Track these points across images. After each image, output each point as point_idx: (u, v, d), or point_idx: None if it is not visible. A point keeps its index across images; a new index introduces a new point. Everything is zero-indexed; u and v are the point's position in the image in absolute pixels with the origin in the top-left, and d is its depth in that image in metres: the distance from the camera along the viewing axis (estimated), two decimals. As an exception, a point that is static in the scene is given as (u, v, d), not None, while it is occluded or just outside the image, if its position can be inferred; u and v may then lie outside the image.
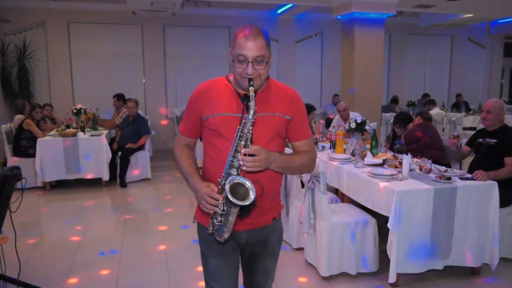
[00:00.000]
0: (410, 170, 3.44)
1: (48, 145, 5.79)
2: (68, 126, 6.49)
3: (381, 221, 3.35)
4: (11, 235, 2.78)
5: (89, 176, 6.00)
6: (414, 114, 9.40)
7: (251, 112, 1.53)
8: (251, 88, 1.54)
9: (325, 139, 5.22)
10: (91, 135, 6.11)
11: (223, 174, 1.56)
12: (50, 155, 5.77)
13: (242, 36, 1.53)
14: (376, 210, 3.23)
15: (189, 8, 8.67)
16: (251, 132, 1.54)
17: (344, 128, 5.10)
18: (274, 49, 9.89)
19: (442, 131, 8.51)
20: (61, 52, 8.60)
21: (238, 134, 1.55)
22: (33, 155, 5.79)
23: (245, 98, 1.59)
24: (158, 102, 9.26)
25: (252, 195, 1.49)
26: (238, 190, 1.50)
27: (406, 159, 3.31)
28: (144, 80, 9.19)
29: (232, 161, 1.55)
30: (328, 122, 9.14)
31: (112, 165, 6.14)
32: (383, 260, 3.27)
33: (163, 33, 9.13)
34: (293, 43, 9.93)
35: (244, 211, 1.54)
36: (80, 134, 6.13)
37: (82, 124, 6.52)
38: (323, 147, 4.77)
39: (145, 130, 6.49)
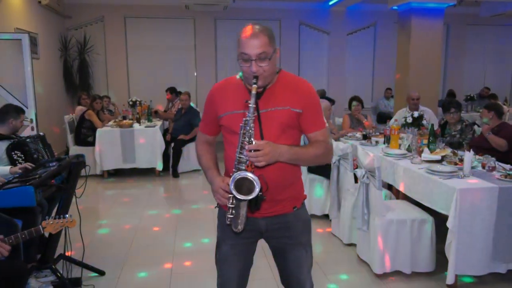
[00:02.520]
0: (472, 167, 3.28)
1: (107, 135, 6.06)
2: (124, 118, 6.76)
3: (438, 219, 3.22)
4: (77, 221, 2.94)
5: (144, 165, 6.23)
6: (473, 109, 8.95)
7: (251, 110, 1.57)
8: (254, 85, 1.57)
9: (378, 133, 5.09)
10: (146, 126, 6.33)
11: (233, 170, 1.60)
12: (108, 145, 6.04)
13: (244, 36, 1.58)
14: (434, 208, 3.11)
15: (240, 2, 8.71)
16: (253, 128, 1.58)
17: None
18: (325, 41, 9.78)
19: None
20: (118, 46, 8.95)
21: (241, 131, 1.59)
22: (92, 143, 6.09)
23: (256, 95, 1.63)
24: (209, 95, 9.41)
25: (256, 189, 1.53)
26: (244, 184, 1.54)
27: (468, 155, 3.16)
28: (195, 73, 9.37)
29: (239, 157, 1.60)
30: (381, 117, 8.91)
31: (165, 156, 6.34)
32: (440, 260, 3.16)
33: (214, 26, 9.25)
34: (344, 35, 9.72)
35: (253, 205, 1.60)
36: (136, 125, 6.37)
37: (137, 116, 6.77)
38: (377, 142, 4.65)
39: (197, 122, 6.62)
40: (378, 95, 9.82)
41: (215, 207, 1.86)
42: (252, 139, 1.58)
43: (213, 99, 1.75)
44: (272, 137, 1.64)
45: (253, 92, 1.58)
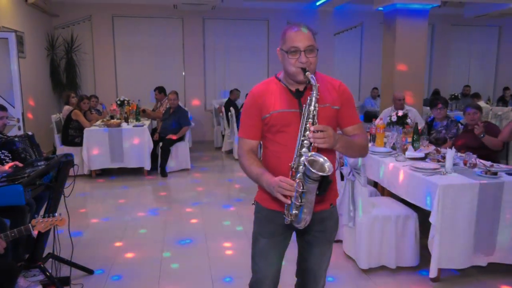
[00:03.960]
0: (454, 164, 3.37)
1: (94, 135, 6.05)
2: (112, 117, 6.74)
3: (422, 215, 3.31)
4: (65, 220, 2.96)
5: (132, 165, 6.23)
6: (457, 108, 9.11)
7: (315, 91, 1.61)
8: (307, 72, 1.64)
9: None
10: (134, 126, 6.33)
11: (294, 157, 1.62)
12: (96, 145, 6.03)
13: (292, 31, 1.68)
14: (418, 204, 3.19)
15: (228, 1, 8.74)
16: (317, 109, 1.62)
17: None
18: (312, 42, 9.83)
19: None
20: (105, 45, 8.92)
21: (306, 113, 1.62)
22: (79, 144, 6.07)
23: (297, 94, 1.72)
24: (197, 94, 9.43)
25: (328, 167, 1.53)
26: (313, 166, 1.54)
27: (450, 152, 3.25)
28: (183, 73, 9.37)
29: (302, 140, 1.61)
30: (368, 116, 9.02)
31: (153, 155, 6.35)
32: (424, 254, 3.24)
33: (203, 26, 9.27)
34: (331, 35, 9.82)
35: (322, 189, 1.58)
36: (124, 125, 6.37)
37: (125, 115, 6.76)
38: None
39: (186, 122, 6.64)
40: (365, 94, 9.96)
41: (253, 204, 1.92)
42: (316, 120, 1.61)
43: (256, 100, 1.77)
44: None
45: (311, 75, 1.62)
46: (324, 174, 1.51)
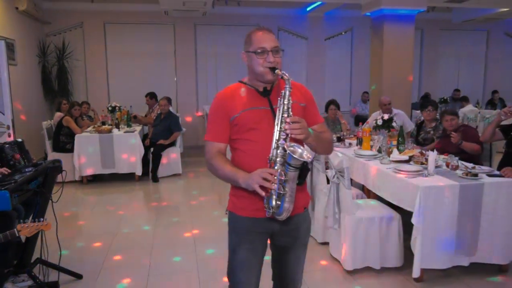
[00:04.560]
0: (437, 166, 3.45)
1: (85, 141, 6.08)
2: (103, 123, 6.78)
3: (407, 217, 3.36)
4: (53, 224, 2.99)
5: (123, 171, 6.26)
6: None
7: (288, 84, 1.66)
8: (277, 70, 1.70)
9: (352, 136, 5.24)
10: (125, 132, 6.36)
11: (272, 149, 1.65)
12: (87, 151, 6.06)
13: (259, 33, 1.76)
14: (401, 206, 3.25)
15: (219, 7, 8.83)
16: (291, 102, 1.66)
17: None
18: (303, 47, 9.94)
19: (476, 128, 8.29)
20: (97, 52, 8.95)
21: (281, 106, 1.66)
22: (70, 150, 6.10)
23: (265, 92, 1.77)
24: (189, 101, 9.48)
25: (307, 156, 1.57)
26: (294, 154, 1.58)
27: (432, 155, 3.32)
28: (175, 79, 9.43)
29: (279, 132, 1.64)
30: (358, 120, 9.10)
31: (144, 161, 6.38)
32: (408, 255, 3.29)
33: (194, 32, 9.34)
34: (322, 40, 9.92)
35: (302, 177, 1.63)
36: (115, 131, 6.40)
37: (117, 121, 6.80)
38: (350, 144, 4.80)
39: (177, 127, 6.69)
40: (355, 98, 10.04)
41: (226, 213, 1.90)
42: (291, 112, 1.66)
43: (223, 103, 1.79)
44: None
45: (281, 71, 1.69)
46: (306, 160, 1.56)
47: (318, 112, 1.93)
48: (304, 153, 1.58)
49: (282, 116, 1.66)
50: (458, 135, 3.95)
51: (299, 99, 1.82)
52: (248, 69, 1.81)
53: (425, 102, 5.06)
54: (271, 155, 1.65)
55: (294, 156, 1.56)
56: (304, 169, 1.62)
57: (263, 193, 1.58)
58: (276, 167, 1.62)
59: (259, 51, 1.72)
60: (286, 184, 1.60)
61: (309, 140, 1.70)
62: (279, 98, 1.69)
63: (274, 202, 1.63)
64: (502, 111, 3.71)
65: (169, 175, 6.58)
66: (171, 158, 6.59)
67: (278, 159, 1.62)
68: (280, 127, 1.65)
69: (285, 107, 1.66)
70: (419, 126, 4.92)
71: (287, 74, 1.68)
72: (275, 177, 1.57)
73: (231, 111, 1.76)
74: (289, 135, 1.62)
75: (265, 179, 1.57)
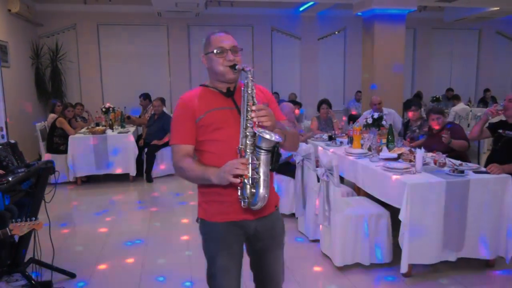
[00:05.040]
0: (425, 164, 3.50)
1: (79, 142, 6.10)
2: (97, 124, 6.81)
3: (396, 213, 3.42)
4: (46, 224, 3.02)
5: (117, 171, 6.28)
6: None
7: (250, 75, 1.66)
8: (237, 66, 1.72)
9: (343, 135, 5.30)
10: (119, 133, 6.39)
11: (240, 138, 1.63)
12: (81, 152, 6.08)
13: (216, 35, 1.80)
14: (389, 202, 3.31)
15: (212, 8, 8.87)
16: (255, 91, 1.67)
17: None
18: (297, 46, 9.99)
19: (467, 126, 8.38)
20: (91, 53, 8.97)
21: (245, 95, 1.66)
22: (64, 151, 6.12)
23: (228, 93, 1.78)
24: (183, 101, 9.50)
25: (276, 138, 1.56)
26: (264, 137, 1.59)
27: (419, 152, 3.38)
28: (169, 79, 9.46)
29: (247, 120, 1.63)
30: (351, 119, 9.16)
31: (139, 161, 6.41)
32: (397, 251, 3.34)
33: (187, 33, 9.37)
34: (315, 40, 9.98)
35: (274, 161, 1.60)
36: (109, 132, 6.43)
37: (110, 122, 6.83)
38: (341, 142, 4.86)
39: (170, 128, 6.70)
40: (349, 97, 10.12)
41: (197, 221, 1.88)
42: (256, 101, 1.65)
43: (187, 105, 1.77)
44: None
45: (242, 66, 1.71)
46: (276, 140, 1.55)
47: (280, 111, 1.94)
48: (274, 135, 1.57)
49: (247, 105, 1.65)
50: (447, 134, 4.02)
51: (262, 99, 1.80)
52: (209, 72, 1.83)
53: (408, 102, 5.16)
54: (240, 145, 1.63)
55: (264, 137, 1.54)
56: (275, 153, 1.60)
57: (237, 181, 1.56)
58: (246, 156, 1.60)
59: (218, 51, 1.74)
60: (259, 169, 1.58)
61: (277, 130, 1.68)
62: (242, 88, 1.69)
63: (248, 191, 1.60)
64: (489, 110, 3.80)
65: (163, 175, 6.61)
66: (165, 158, 6.62)
67: (248, 147, 1.60)
68: (246, 116, 1.64)
69: (249, 96, 1.65)
70: (406, 125, 5.02)
71: (249, 67, 1.69)
72: (248, 165, 1.57)
73: (196, 112, 1.75)
74: (257, 123, 1.60)
75: (238, 169, 1.55)
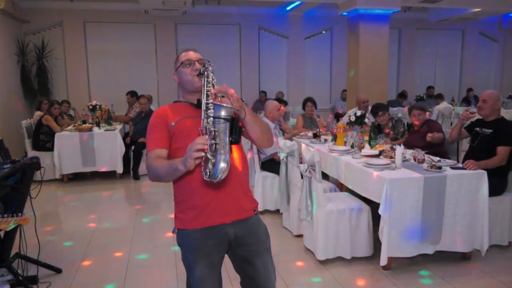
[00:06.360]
0: (405, 160, 3.61)
1: (66, 140, 6.10)
2: (84, 122, 6.80)
3: (377, 208, 3.51)
4: (32, 220, 3.05)
5: (104, 169, 6.30)
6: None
7: (210, 67, 1.75)
8: (202, 69, 1.77)
9: (328, 132, 5.39)
10: (105, 130, 6.40)
11: (201, 119, 1.64)
12: (67, 149, 6.08)
13: (184, 52, 1.95)
14: (370, 198, 3.41)
15: (199, 7, 8.91)
16: (215, 79, 1.73)
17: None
18: (284, 45, 10.09)
19: (450, 125, 8.56)
20: (77, 51, 8.95)
21: (205, 83, 1.71)
22: (50, 149, 6.11)
23: (199, 104, 1.80)
24: (170, 99, 9.50)
25: (235, 103, 1.62)
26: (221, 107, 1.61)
27: (399, 149, 3.48)
28: (157, 77, 9.47)
29: (206, 104, 1.65)
30: (338, 117, 9.29)
31: (125, 159, 6.43)
32: (377, 245, 3.44)
33: (175, 31, 9.40)
34: (302, 39, 10.09)
35: (234, 132, 1.62)
36: (96, 129, 6.43)
37: (97, 120, 6.83)
38: (326, 140, 4.95)
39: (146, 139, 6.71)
40: (335, 96, 10.25)
41: (173, 232, 1.91)
42: (215, 86, 1.70)
43: (160, 115, 1.86)
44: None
45: (203, 61, 1.85)
46: (233, 108, 1.59)
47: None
48: (231, 103, 1.61)
49: (207, 90, 1.69)
50: (433, 135, 4.15)
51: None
52: (180, 87, 1.95)
53: (374, 109, 5.22)
54: (201, 126, 1.63)
55: (222, 104, 1.57)
56: (234, 122, 1.62)
57: (202, 154, 1.53)
58: (206, 131, 1.61)
59: (186, 62, 1.88)
60: (217, 138, 1.57)
61: (247, 115, 1.71)
62: (201, 78, 1.75)
63: (210, 164, 1.57)
64: (463, 115, 3.94)
65: (150, 172, 6.62)
66: (152, 156, 6.63)
67: (209, 126, 1.60)
68: (207, 100, 1.66)
69: (210, 84, 1.70)
70: (378, 128, 5.12)
71: (209, 62, 1.80)
72: (205, 137, 1.57)
73: (169, 120, 1.84)
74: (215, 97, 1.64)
75: (198, 144, 1.54)
